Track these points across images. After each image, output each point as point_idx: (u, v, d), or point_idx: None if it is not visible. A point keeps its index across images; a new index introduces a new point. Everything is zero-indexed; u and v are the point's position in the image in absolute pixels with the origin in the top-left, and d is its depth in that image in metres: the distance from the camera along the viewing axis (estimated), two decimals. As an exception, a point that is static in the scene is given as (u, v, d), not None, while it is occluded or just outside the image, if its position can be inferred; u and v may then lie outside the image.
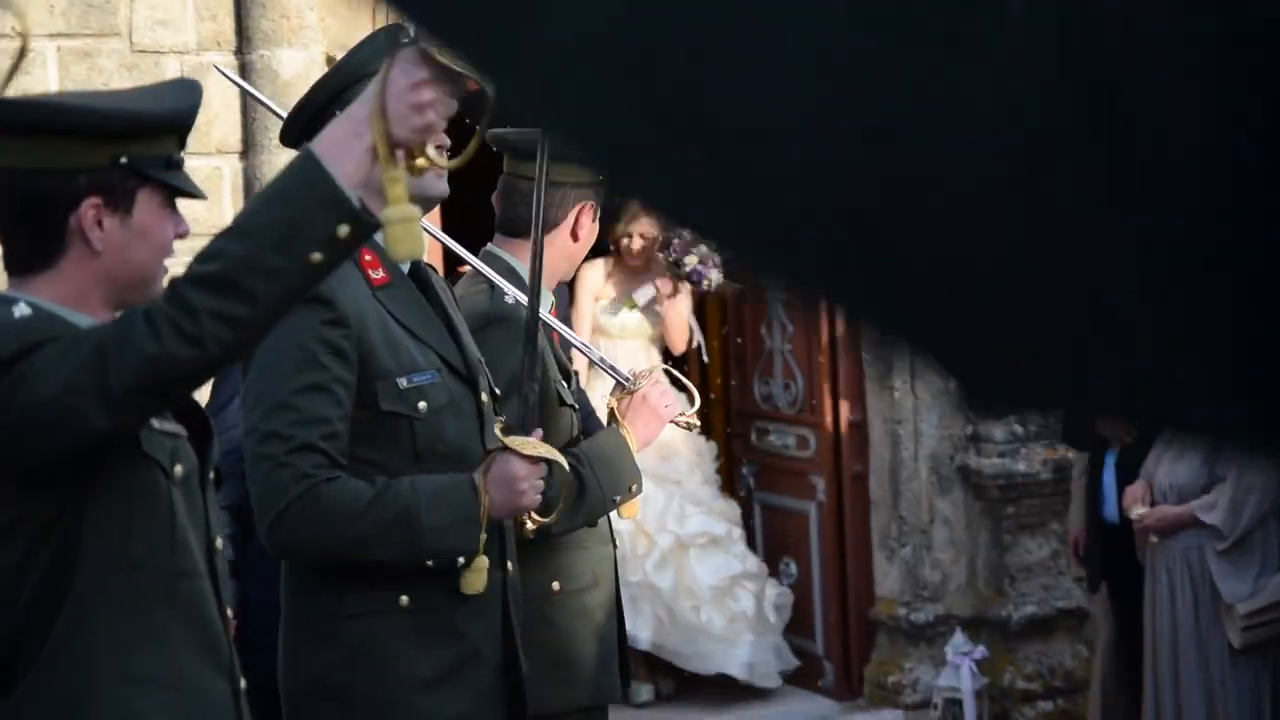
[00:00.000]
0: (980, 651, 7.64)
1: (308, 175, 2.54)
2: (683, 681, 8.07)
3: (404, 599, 3.46)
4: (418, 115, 2.54)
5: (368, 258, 3.50)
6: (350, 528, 3.35)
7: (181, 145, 2.87)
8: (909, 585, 8.08)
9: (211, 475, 2.92)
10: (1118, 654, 7.21)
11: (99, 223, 2.75)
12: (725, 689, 8.00)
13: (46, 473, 2.65)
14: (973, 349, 0.99)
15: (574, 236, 4.31)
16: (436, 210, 4.07)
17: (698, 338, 8.50)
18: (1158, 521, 6.14)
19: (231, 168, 6.90)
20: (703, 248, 8.07)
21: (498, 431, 3.51)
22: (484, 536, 3.42)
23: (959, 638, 7.68)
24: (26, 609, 2.69)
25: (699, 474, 8.25)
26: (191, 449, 2.86)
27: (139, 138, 2.78)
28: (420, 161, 2.60)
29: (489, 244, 4.32)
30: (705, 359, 8.66)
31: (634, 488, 4.13)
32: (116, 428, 2.60)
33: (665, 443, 7.99)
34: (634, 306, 8.22)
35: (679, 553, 7.93)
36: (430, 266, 3.74)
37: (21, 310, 2.72)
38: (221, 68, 5.18)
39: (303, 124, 3.56)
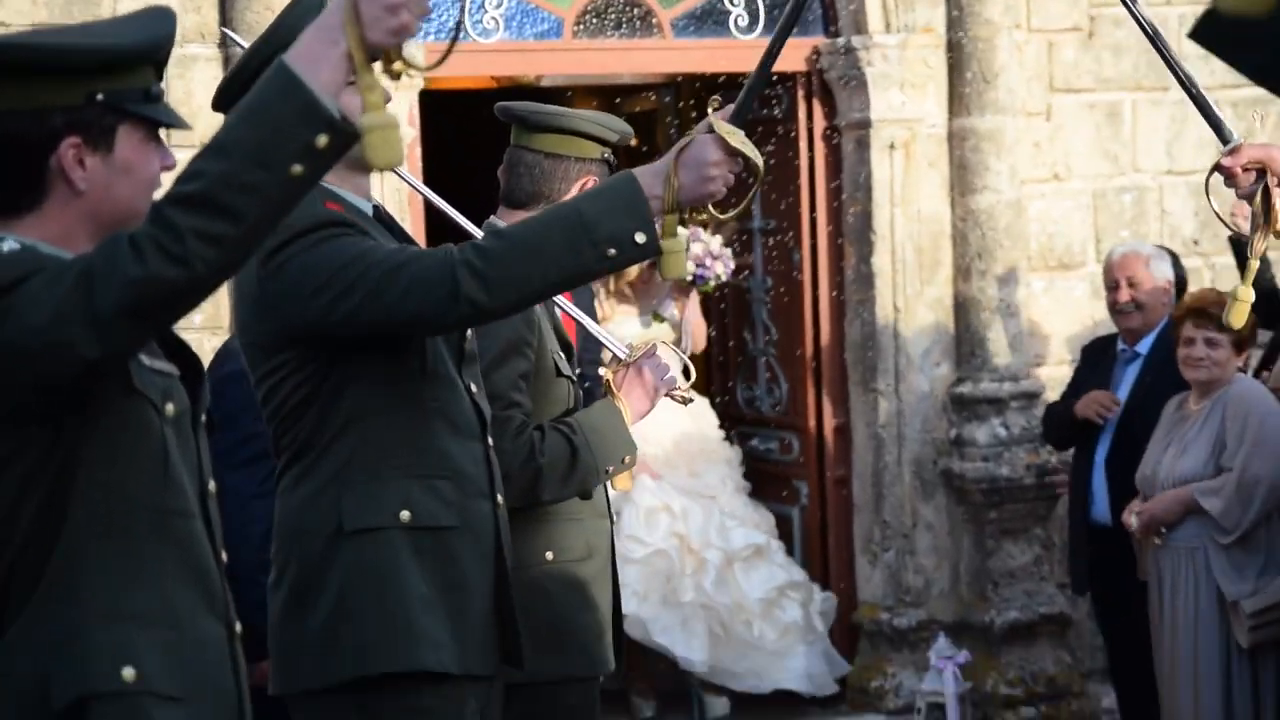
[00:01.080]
0: (963, 656, 7.60)
1: (282, 87, 2.48)
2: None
3: (405, 514, 3.44)
4: (392, 17, 2.48)
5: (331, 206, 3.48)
6: (525, 254, 3.26)
7: (159, 76, 2.80)
8: (892, 590, 8.04)
9: (204, 418, 2.86)
10: (1109, 657, 7.18)
11: (80, 162, 2.69)
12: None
13: (39, 406, 2.60)
14: None
15: None
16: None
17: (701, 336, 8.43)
18: (1157, 504, 6.08)
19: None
20: (696, 248, 7.98)
21: (710, 110, 3.39)
22: (668, 218, 3.29)
23: (942, 642, 7.65)
24: (21, 546, 2.63)
25: (730, 484, 8.12)
26: (184, 390, 2.80)
27: (114, 72, 2.71)
28: (397, 65, 2.54)
29: (491, 216, 4.30)
30: (720, 357, 8.54)
31: (627, 459, 4.12)
32: (105, 355, 2.53)
33: (694, 455, 7.91)
34: (661, 320, 8.15)
35: (726, 568, 7.80)
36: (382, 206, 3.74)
37: (10, 245, 2.66)
38: (227, 31, 5.19)
39: (236, 92, 3.50)
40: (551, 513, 4.11)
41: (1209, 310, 6.09)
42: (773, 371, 8.56)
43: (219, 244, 2.47)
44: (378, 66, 2.53)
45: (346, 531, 3.44)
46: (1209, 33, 2.37)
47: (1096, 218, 8.37)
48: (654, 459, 7.79)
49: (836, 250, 8.17)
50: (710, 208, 3.43)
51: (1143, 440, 6.45)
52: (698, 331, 8.19)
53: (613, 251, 3.24)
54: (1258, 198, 3.77)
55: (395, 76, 2.57)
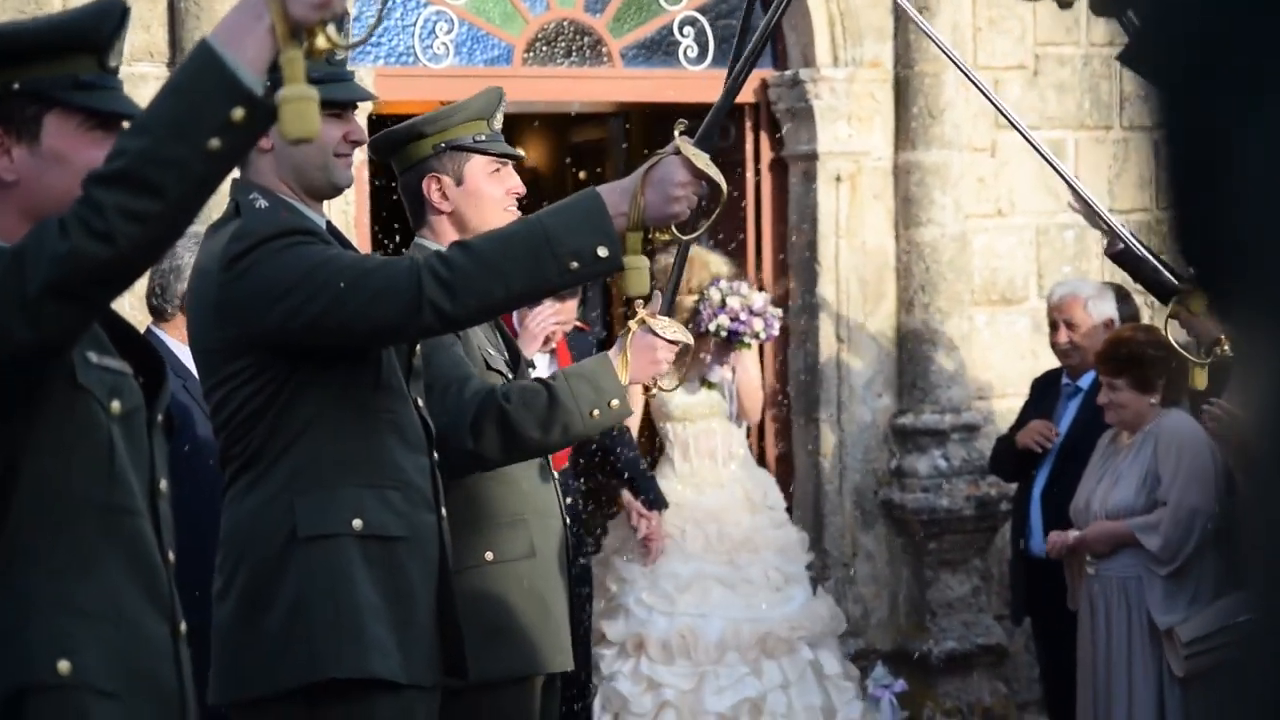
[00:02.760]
0: (900, 685, 7.64)
1: (202, 62, 2.51)
2: None
3: (358, 523, 3.47)
4: None
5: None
6: (488, 265, 3.30)
7: (102, 65, 2.79)
8: (831, 618, 8.07)
9: (160, 419, 2.87)
10: (1045, 688, 7.23)
11: (7, 152, 2.72)
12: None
13: None
14: None
15: (436, 210, 4.24)
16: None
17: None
18: (1095, 535, 6.12)
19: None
20: (733, 302, 7.42)
21: (677, 133, 3.44)
22: (631, 235, 3.34)
23: (880, 671, 7.68)
24: None
25: (775, 578, 7.45)
26: (138, 388, 2.81)
27: (34, 60, 2.72)
28: (320, 42, 2.56)
29: (415, 238, 4.31)
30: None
31: (614, 403, 4.00)
32: (38, 338, 2.54)
33: (738, 544, 7.41)
34: (711, 386, 7.56)
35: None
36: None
37: None
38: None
39: None
40: (492, 515, 4.13)
41: (1107, 354, 6.18)
42: (716, 400, 8.58)
43: (142, 220, 2.49)
44: (302, 40, 2.54)
45: (300, 538, 3.45)
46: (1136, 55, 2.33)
47: (1039, 253, 8.45)
48: (695, 541, 7.36)
49: (781, 281, 8.23)
50: (673, 228, 3.49)
51: (1080, 474, 6.50)
52: (752, 396, 7.60)
53: (575, 265, 3.29)
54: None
55: (319, 54, 2.59)
